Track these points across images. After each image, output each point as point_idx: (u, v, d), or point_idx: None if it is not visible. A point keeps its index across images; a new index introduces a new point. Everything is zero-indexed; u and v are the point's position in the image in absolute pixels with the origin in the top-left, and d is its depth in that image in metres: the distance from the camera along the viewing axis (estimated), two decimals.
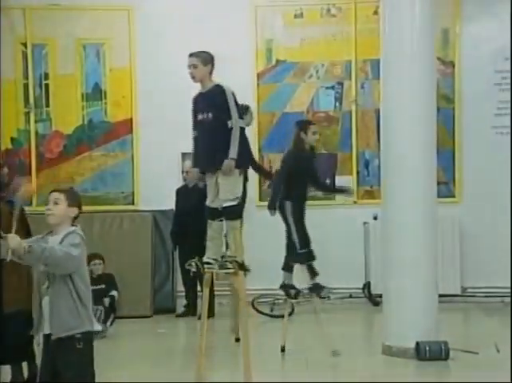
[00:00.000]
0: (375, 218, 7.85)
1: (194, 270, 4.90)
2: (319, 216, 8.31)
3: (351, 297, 8.08)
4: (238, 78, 8.25)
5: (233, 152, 4.73)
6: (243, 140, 4.89)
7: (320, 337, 5.80)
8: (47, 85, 8.39)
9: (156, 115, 8.22)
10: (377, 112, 7.69)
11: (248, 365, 4.57)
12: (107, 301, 7.10)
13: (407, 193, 5.63)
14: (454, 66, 8.34)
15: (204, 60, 4.89)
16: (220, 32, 8.21)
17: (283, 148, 8.53)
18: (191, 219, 7.20)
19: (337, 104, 8.50)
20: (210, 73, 4.94)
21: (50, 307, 3.41)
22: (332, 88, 8.48)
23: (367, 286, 8.14)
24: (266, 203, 8.30)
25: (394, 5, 5.69)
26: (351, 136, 8.45)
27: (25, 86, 8.34)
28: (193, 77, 4.88)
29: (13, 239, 3.21)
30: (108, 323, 6.93)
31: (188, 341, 6.69)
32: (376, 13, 7.95)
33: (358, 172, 8.46)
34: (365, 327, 7.40)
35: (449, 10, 8.23)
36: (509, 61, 8.13)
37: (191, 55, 4.93)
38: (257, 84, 8.41)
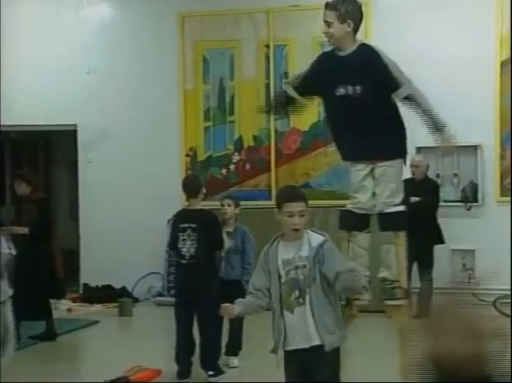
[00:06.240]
0: None
1: None
2: None
3: None
4: (478, 68, 7.88)
5: (438, 122, 3.58)
6: (400, 121, 3.77)
7: None
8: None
9: None
10: None
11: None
12: None
13: None
14: None
15: (340, 15, 3.53)
16: (462, 20, 7.87)
17: None
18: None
19: None
20: (355, 31, 3.59)
21: (316, 318, 3.10)
22: None
23: None
24: (509, 199, 7.88)
25: None
26: None
27: (267, 86, 8.72)
28: (328, 40, 3.68)
29: None
30: None
31: None
32: None
33: None
34: None
35: None
36: None
37: (325, 6, 3.62)
38: (500, 74, 7.92)
